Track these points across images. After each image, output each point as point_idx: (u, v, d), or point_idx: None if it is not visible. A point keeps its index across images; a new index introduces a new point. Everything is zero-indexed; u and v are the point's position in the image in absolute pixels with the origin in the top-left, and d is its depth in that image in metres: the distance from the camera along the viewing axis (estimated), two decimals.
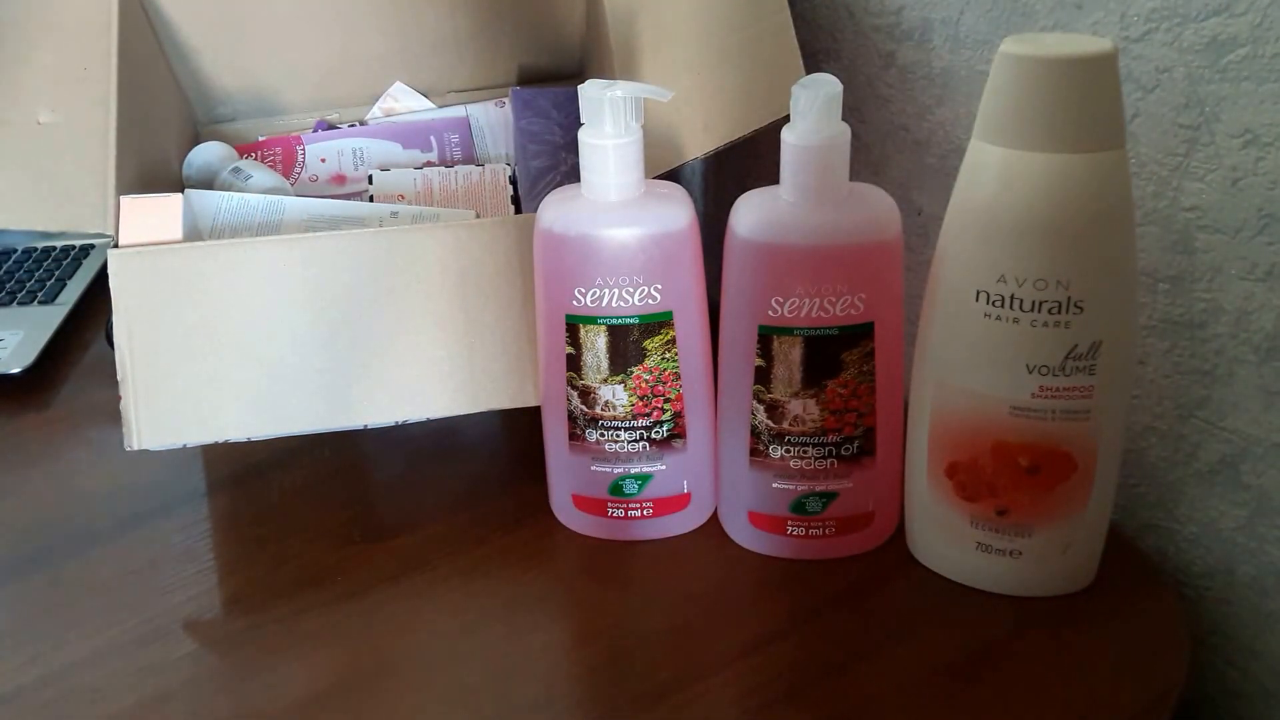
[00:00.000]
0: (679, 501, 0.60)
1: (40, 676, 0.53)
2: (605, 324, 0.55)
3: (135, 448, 0.59)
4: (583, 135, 0.54)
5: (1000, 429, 0.52)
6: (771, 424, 0.56)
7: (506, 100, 0.80)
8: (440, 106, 0.82)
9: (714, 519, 0.61)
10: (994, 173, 0.48)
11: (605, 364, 0.56)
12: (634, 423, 0.58)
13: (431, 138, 0.79)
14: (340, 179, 0.77)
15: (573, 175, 0.62)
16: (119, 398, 0.59)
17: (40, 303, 0.91)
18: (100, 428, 0.74)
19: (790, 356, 0.54)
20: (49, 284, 0.94)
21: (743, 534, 0.59)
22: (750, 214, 0.54)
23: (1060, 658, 0.51)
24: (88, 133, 0.62)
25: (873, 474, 0.57)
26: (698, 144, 0.62)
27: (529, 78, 0.83)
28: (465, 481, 0.66)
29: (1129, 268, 0.50)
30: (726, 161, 0.88)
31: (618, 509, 0.60)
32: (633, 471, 0.59)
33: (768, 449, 0.56)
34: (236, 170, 0.71)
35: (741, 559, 0.59)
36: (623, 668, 0.52)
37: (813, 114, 0.51)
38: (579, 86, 0.53)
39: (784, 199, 0.53)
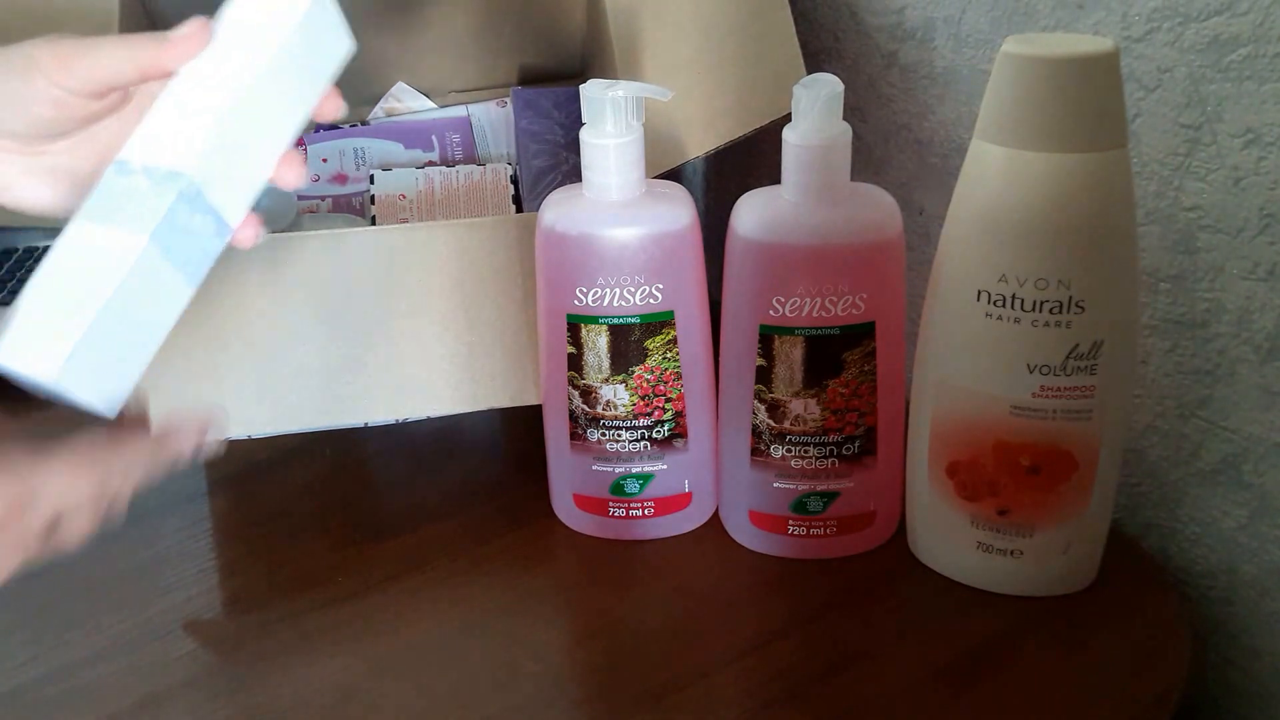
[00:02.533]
0: (680, 501, 0.60)
1: (40, 676, 0.53)
2: (606, 323, 0.55)
3: None
4: (584, 135, 0.54)
5: (1001, 428, 0.52)
6: (773, 423, 0.56)
7: (508, 100, 0.80)
8: (442, 106, 0.82)
9: (715, 518, 0.61)
10: (996, 172, 0.48)
11: (606, 363, 0.56)
12: (635, 422, 0.58)
13: (433, 137, 0.79)
14: (342, 179, 0.77)
15: (574, 175, 0.62)
16: None
17: None
18: (101, 427, 0.74)
19: (791, 356, 0.54)
20: None
21: (744, 533, 0.59)
22: (751, 213, 0.54)
23: (1061, 658, 0.51)
24: None
25: (874, 473, 0.57)
26: (699, 143, 0.62)
27: (530, 78, 0.83)
28: (465, 481, 0.66)
29: (1130, 267, 0.49)
30: (727, 161, 0.88)
31: (619, 508, 0.60)
32: (634, 471, 0.59)
33: (769, 448, 0.56)
34: None
35: (742, 558, 0.59)
36: (623, 667, 0.52)
37: (814, 113, 0.51)
38: (580, 86, 0.53)
39: (785, 198, 0.53)
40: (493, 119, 0.80)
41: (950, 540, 0.55)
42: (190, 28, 0.44)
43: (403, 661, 0.53)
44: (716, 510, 0.61)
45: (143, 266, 0.41)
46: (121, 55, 0.44)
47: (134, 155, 0.43)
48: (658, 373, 0.57)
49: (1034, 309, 0.49)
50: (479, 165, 0.77)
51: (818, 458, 0.56)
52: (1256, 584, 0.55)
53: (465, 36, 0.80)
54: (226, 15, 0.45)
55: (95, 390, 0.42)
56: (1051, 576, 0.54)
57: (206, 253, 0.44)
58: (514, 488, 0.65)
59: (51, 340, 0.40)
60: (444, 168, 0.76)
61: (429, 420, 0.62)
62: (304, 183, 0.48)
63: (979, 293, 0.50)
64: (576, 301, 0.55)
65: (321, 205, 0.76)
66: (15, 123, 0.44)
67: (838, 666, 0.51)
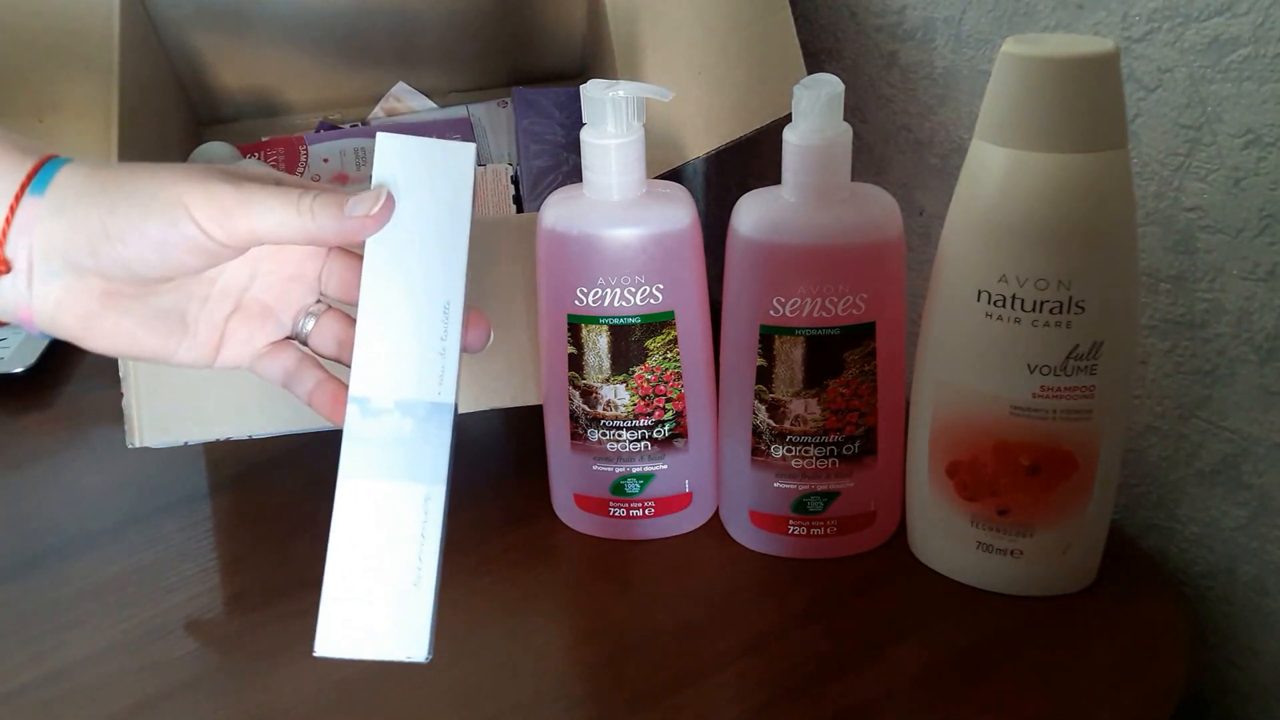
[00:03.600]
0: (680, 501, 0.60)
1: (41, 676, 0.53)
2: (607, 324, 0.56)
3: (137, 445, 0.59)
4: (585, 135, 0.54)
5: (1001, 429, 0.52)
6: (773, 423, 0.56)
7: (509, 100, 0.80)
8: (442, 106, 0.82)
9: (715, 518, 0.61)
10: (996, 173, 0.48)
11: (607, 364, 0.56)
12: (635, 422, 0.58)
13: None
14: (343, 179, 0.77)
15: (575, 175, 0.62)
16: (121, 395, 0.59)
17: None
18: (102, 427, 0.74)
19: (792, 356, 0.54)
20: None
21: (744, 533, 0.59)
22: (752, 214, 0.54)
23: (1061, 657, 0.51)
24: (89, 132, 0.62)
25: (874, 473, 0.57)
26: (699, 143, 0.62)
27: (530, 78, 0.83)
28: (465, 481, 0.66)
29: (1130, 267, 0.50)
30: (728, 161, 0.88)
31: (619, 508, 0.60)
32: (634, 471, 0.59)
33: (769, 448, 0.56)
34: None
35: (743, 558, 0.59)
36: (623, 667, 0.52)
37: (814, 114, 0.51)
38: (581, 86, 0.53)
39: (786, 199, 0.53)
40: (493, 119, 0.80)
41: (950, 540, 0.55)
42: (376, 203, 0.40)
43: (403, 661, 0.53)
44: (717, 510, 0.61)
45: (443, 504, 0.39)
46: (289, 220, 0.40)
47: (374, 391, 0.39)
48: (658, 373, 0.57)
49: (1034, 309, 0.49)
50: (479, 165, 0.77)
51: (818, 458, 0.56)
52: (1256, 584, 0.55)
53: (465, 36, 0.80)
54: (399, 183, 0.40)
55: (434, 635, 0.39)
56: (1051, 576, 0.54)
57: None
58: (514, 488, 0.65)
59: (408, 620, 0.38)
60: None
61: None
62: (490, 341, 0.44)
63: (979, 293, 0.50)
64: (577, 302, 0.55)
65: None
66: (149, 267, 0.40)
67: (838, 667, 0.51)
